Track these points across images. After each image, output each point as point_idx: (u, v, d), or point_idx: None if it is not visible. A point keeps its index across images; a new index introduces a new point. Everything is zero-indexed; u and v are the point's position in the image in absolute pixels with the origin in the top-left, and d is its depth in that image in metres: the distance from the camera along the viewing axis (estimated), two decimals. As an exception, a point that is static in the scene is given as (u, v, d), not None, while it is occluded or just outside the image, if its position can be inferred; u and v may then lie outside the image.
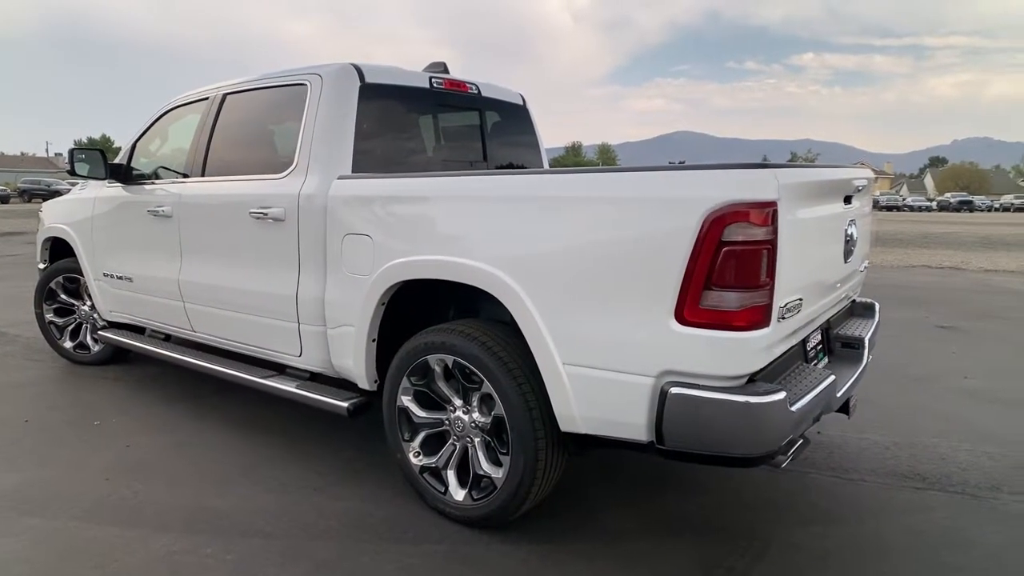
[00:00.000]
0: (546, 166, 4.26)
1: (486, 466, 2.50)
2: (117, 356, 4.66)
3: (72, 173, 4.01)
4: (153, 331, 4.23)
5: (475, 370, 2.42)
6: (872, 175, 2.86)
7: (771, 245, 1.93)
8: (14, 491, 2.87)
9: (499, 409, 2.39)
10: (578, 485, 2.89)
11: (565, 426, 2.26)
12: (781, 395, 1.95)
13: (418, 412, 2.69)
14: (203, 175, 3.55)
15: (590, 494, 2.86)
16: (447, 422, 2.64)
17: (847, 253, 2.64)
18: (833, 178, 2.44)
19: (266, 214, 3.05)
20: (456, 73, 3.61)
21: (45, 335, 4.84)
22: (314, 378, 3.19)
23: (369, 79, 3.07)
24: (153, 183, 3.90)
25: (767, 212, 1.90)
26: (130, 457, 3.23)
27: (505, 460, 2.42)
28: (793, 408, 2.00)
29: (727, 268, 1.91)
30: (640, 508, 2.76)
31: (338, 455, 3.24)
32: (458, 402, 2.59)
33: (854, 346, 2.83)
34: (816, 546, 2.49)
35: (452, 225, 2.48)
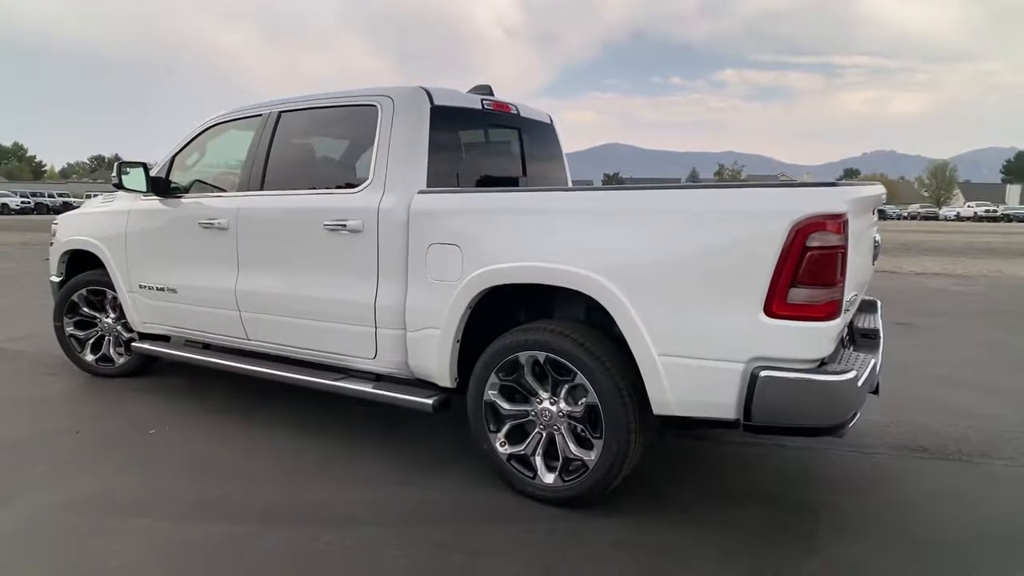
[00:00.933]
0: (569, 180, 4.59)
1: (576, 450, 2.80)
2: (141, 368, 4.67)
3: (119, 186, 4.07)
4: (189, 340, 4.30)
5: (569, 364, 2.72)
6: (884, 191, 3.34)
7: (843, 250, 2.32)
8: (106, 495, 2.96)
9: (591, 398, 2.69)
10: (645, 467, 3.22)
11: (658, 410, 2.59)
12: (853, 374, 2.35)
13: (504, 405, 2.96)
14: (262, 189, 3.70)
15: (655, 475, 3.18)
16: (533, 413, 2.92)
17: (874, 257, 3.09)
18: (871, 194, 2.88)
19: (345, 226, 3.25)
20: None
21: (65, 348, 4.80)
22: (378, 379, 3.41)
23: (437, 102, 3.33)
24: (198, 196, 4.01)
25: (840, 222, 2.29)
26: (201, 461, 3.34)
27: (597, 444, 2.72)
28: (860, 385, 2.39)
29: (810, 269, 2.28)
30: (701, 485, 3.12)
31: (407, 452, 3.45)
32: (545, 394, 2.88)
33: (871, 336, 3.28)
34: (856, 510, 2.90)
35: (550, 235, 2.76)
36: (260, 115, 3.85)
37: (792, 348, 2.35)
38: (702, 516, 2.81)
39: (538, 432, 2.91)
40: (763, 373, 2.35)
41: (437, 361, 3.08)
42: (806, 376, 2.33)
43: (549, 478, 2.86)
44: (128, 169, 4.02)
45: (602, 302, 2.60)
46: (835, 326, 2.35)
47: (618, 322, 2.58)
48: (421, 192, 3.14)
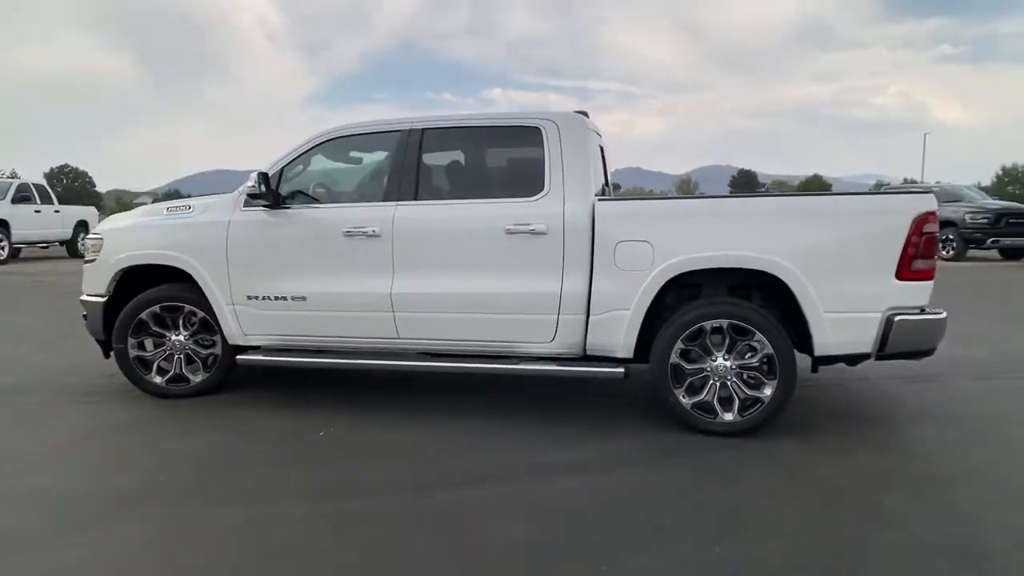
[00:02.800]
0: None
1: (750, 392, 3.72)
2: (214, 386, 4.54)
3: (256, 196, 4.05)
4: (288, 347, 4.37)
5: (749, 327, 3.64)
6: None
7: (937, 233, 3.57)
8: (391, 478, 3.19)
9: (768, 350, 3.64)
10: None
11: (820, 352, 3.62)
12: (945, 313, 3.61)
13: (685, 365, 3.78)
14: (416, 199, 4.04)
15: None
16: (708, 369, 3.78)
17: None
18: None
19: (531, 229, 3.81)
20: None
21: (127, 372, 4.47)
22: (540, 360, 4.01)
23: (590, 126, 4.05)
24: (331, 207, 4.21)
25: (936, 216, 3.54)
26: (407, 448, 3.63)
27: (771, 384, 3.67)
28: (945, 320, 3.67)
29: (924, 247, 3.50)
30: (780, 423, 4.21)
31: (570, 422, 4.07)
32: (719, 352, 3.75)
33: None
34: (879, 416, 4.22)
35: (736, 231, 3.67)
36: (395, 131, 4.17)
37: (912, 299, 3.55)
38: (813, 441, 3.90)
39: (713, 383, 3.78)
40: (897, 318, 3.52)
41: (624, 337, 3.79)
42: (921, 317, 3.54)
43: (728, 416, 3.74)
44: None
45: (782, 277, 3.57)
46: (933, 283, 3.60)
47: (795, 291, 3.57)
48: (600, 199, 3.84)
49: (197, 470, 3.38)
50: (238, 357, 4.34)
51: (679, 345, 3.76)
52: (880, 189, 15.80)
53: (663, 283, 3.71)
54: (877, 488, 3.10)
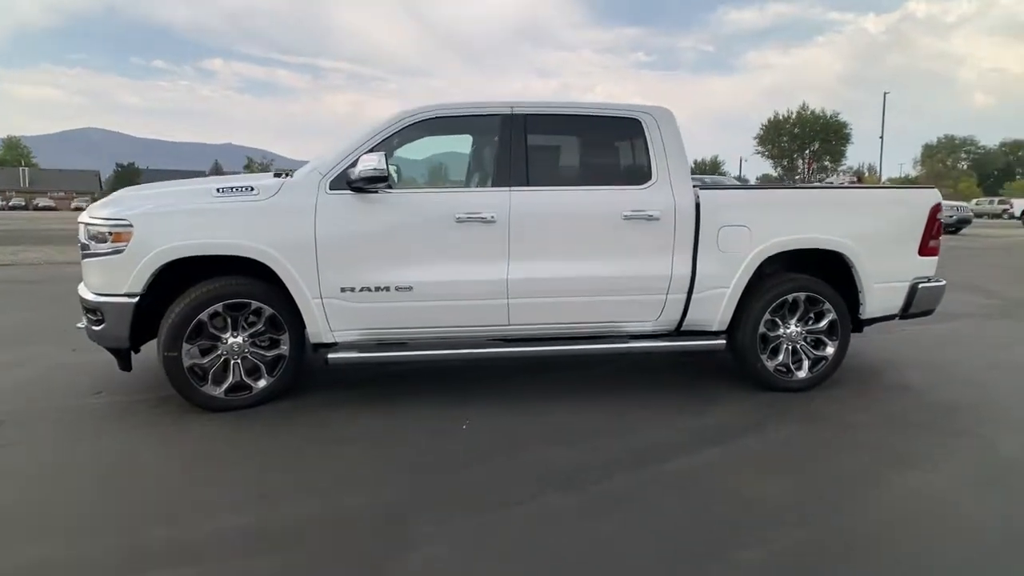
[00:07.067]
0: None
1: (817, 352, 4.44)
2: (277, 393, 4.02)
3: (374, 180, 3.64)
4: (375, 341, 4.08)
5: (821, 297, 4.35)
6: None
7: (941, 220, 4.61)
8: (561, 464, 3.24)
9: (833, 316, 4.38)
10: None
11: (865, 315, 4.46)
12: (945, 282, 4.67)
13: (769, 333, 4.37)
14: (527, 184, 4.02)
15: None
16: (784, 335, 4.41)
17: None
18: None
19: (647, 215, 4.06)
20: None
21: (179, 383, 3.75)
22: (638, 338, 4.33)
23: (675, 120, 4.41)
24: (429, 191, 4.00)
25: (940, 204, 4.57)
26: (564, 432, 3.69)
27: (832, 344, 4.42)
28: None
29: (937, 230, 4.51)
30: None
31: (651, 397, 4.44)
32: (793, 320, 4.41)
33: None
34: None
35: (813, 216, 4.31)
36: (495, 114, 4.08)
37: (927, 271, 4.56)
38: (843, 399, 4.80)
39: (786, 347, 4.43)
40: (920, 285, 4.50)
41: (722, 312, 4.26)
42: (934, 284, 4.57)
43: (802, 373, 4.42)
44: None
45: (848, 255, 4.32)
46: (938, 258, 4.63)
47: (856, 266, 4.34)
48: (702, 188, 4.23)
49: (413, 478, 3.10)
50: (329, 356, 3.90)
51: (767, 316, 4.33)
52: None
53: (760, 263, 4.24)
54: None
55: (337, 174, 3.86)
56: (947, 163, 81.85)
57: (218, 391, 3.85)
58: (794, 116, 67.64)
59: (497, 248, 3.97)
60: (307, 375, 4.45)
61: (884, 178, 55.16)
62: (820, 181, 58.49)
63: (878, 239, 4.43)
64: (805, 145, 67.18)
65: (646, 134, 4.19)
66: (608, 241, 4.10)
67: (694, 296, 4.23)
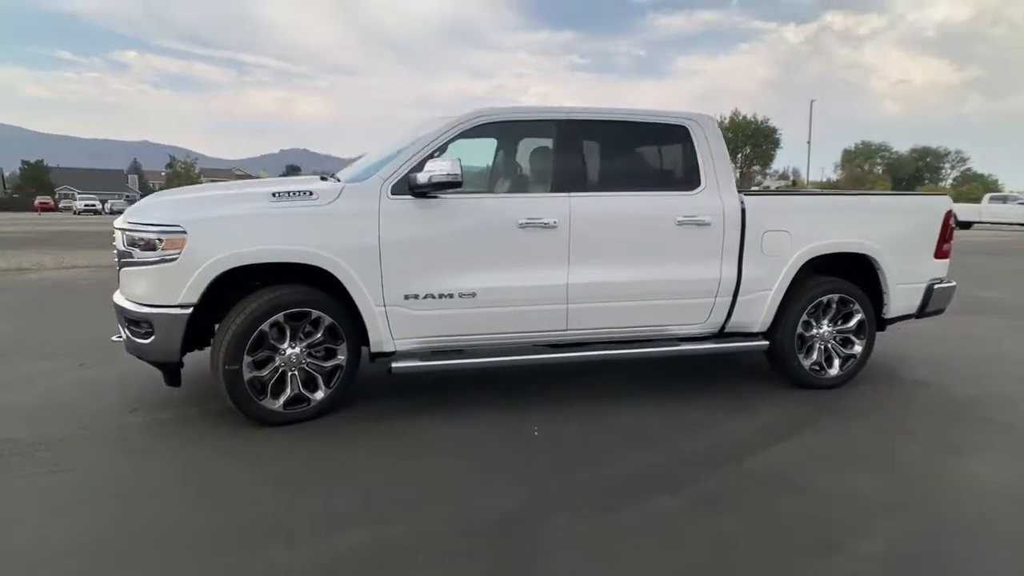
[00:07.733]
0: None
1: (847, 351, 4.67)
2: (333, 404, 3.90)
3: (446, 186, 3.59)
4: (433, 349, 4.04)
5: (851, 298, 4.58)
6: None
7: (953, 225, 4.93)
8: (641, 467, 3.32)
9: (861, 316, 4.63)
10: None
11: (889, 315, 4.73)
12: (955, 283, 5.00)
13: (804, 333, 4.57)
14: (585, 190, 4.07)
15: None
16: (816, 335, 4.62)
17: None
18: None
19: (698, 220, 4.17)
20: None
21: (238, 398, 3.59)
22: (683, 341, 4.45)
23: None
24: (490, 196, 4.00)
25: (952, 211, 4.89)
26: (638, 436, 3.76)
27: (860, 343, 4.67)
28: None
29: (949, 235, 4.82)
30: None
31: (699, 398, 4.57)
32: (825, 321, 4.62)
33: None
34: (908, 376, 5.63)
35: (845, 222, 4.54)
36: (550, 120, 4.12)
37: (940, 272, 4.87)
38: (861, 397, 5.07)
39: (819, 347, 4.64)
40: (936, 286, 4.81)
41: (765, 314, 4.43)
42: (946, 285, 4.88)
43: (833, 371, 4.65)
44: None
45: (876, 258, 4.56)
46: (950, 261, 4.96)
47: (883, 268, 4.59)
48: (747, 194, 4.38)
49: (515, 488, 3.07)
50: (394, 365, 3.81)
51: (804, 317, 4.53)
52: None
53: (800, 266, 4.43)
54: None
55: (399, 178, 3.79)
56: (864, 168, 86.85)
57: (276, 404, 3.71)
58: (727, 121, 70.27)
59: (558, 253, 3.99)
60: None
61: (807, 182, 58.01)
62: (758, 185, 60.95)
63: (901, 243, 4.71)
64: (738, 149, 69.82)
65: (694, 140, 4.31)
66: (662, 246, 4.19)
67: (739, 299, 4.38)
